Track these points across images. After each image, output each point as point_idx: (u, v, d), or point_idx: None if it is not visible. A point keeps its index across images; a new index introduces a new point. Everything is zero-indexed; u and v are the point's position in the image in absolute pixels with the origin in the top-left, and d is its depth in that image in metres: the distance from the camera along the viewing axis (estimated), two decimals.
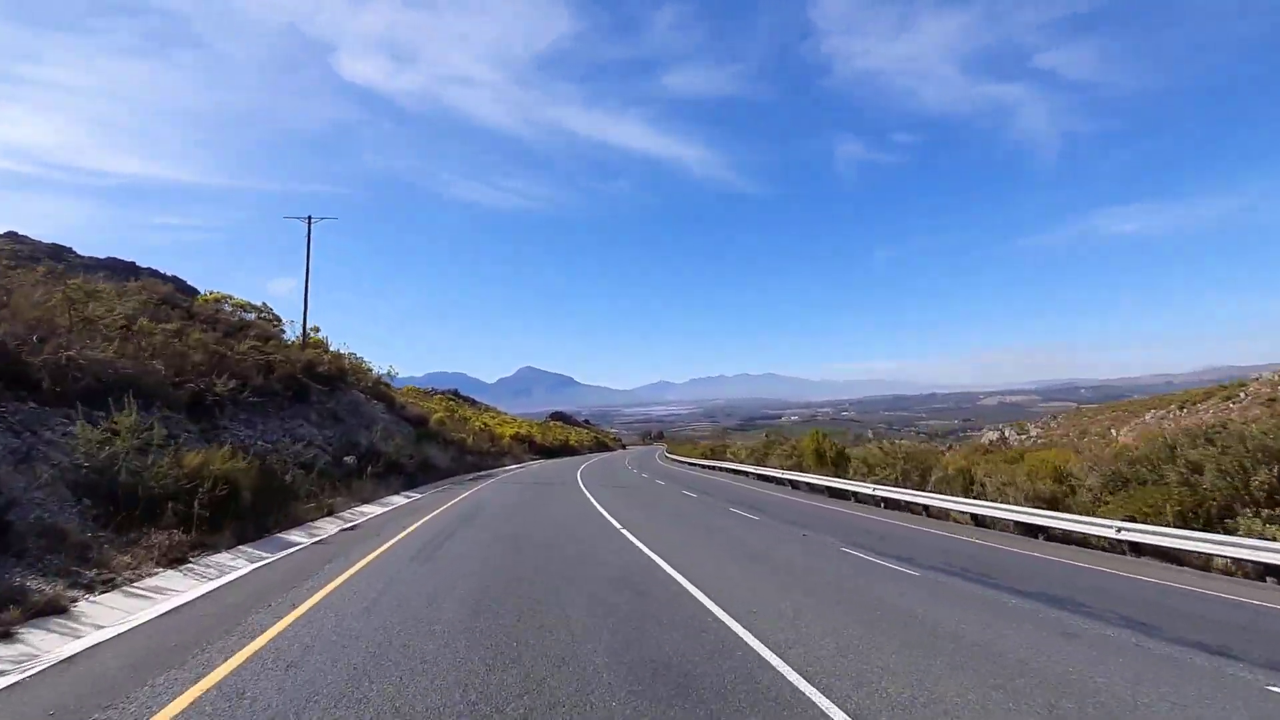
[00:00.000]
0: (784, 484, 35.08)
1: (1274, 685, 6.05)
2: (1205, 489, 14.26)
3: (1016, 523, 17.33)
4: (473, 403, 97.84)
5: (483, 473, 41.94)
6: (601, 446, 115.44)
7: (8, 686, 5.40)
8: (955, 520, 20.08)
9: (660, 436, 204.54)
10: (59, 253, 38.63)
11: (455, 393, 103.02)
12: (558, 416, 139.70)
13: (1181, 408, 54.07)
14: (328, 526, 16.05)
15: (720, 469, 51.74)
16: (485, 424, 59.03)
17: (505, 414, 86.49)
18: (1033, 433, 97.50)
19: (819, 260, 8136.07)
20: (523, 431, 64.66)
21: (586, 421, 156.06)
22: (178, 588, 9.03)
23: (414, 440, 34.10)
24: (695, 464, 59.73)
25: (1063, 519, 15.92)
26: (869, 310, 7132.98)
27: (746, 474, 44.37)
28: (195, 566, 10.26)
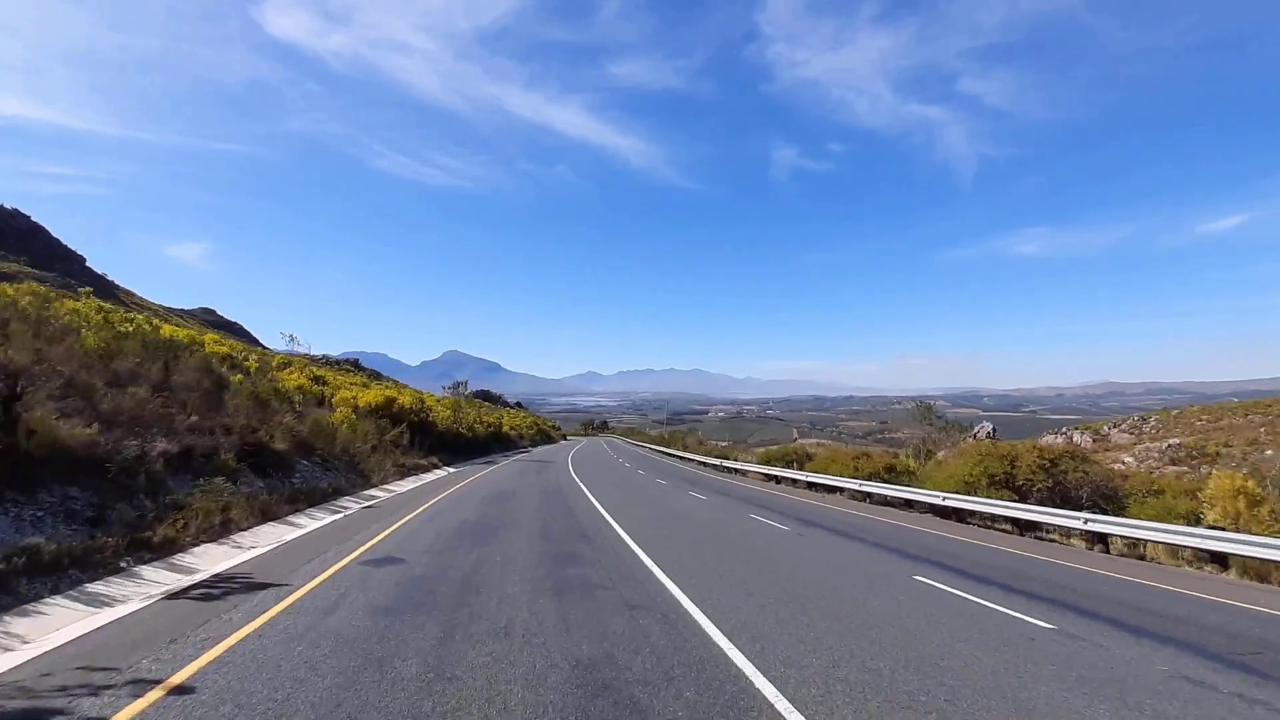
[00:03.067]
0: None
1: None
2: None
3: None
4: (378, 376, 67.90)
5: None
6: (545, 437, 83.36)
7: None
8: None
9: (604, 427, 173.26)
10: None
11: (356, 364, 73.10)
12: (483, 396, 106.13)
13: None
14: None
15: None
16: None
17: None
18: (1118, 438, 74.48)
19: (751, 260, 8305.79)
20: (400, 403, 29.38)
21: (519, 405, 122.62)
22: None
23: None
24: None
25: None
26: (795, 311, 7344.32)
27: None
28: None
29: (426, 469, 24.47)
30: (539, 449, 58.35)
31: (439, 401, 41.13)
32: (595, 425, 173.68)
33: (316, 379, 28.74)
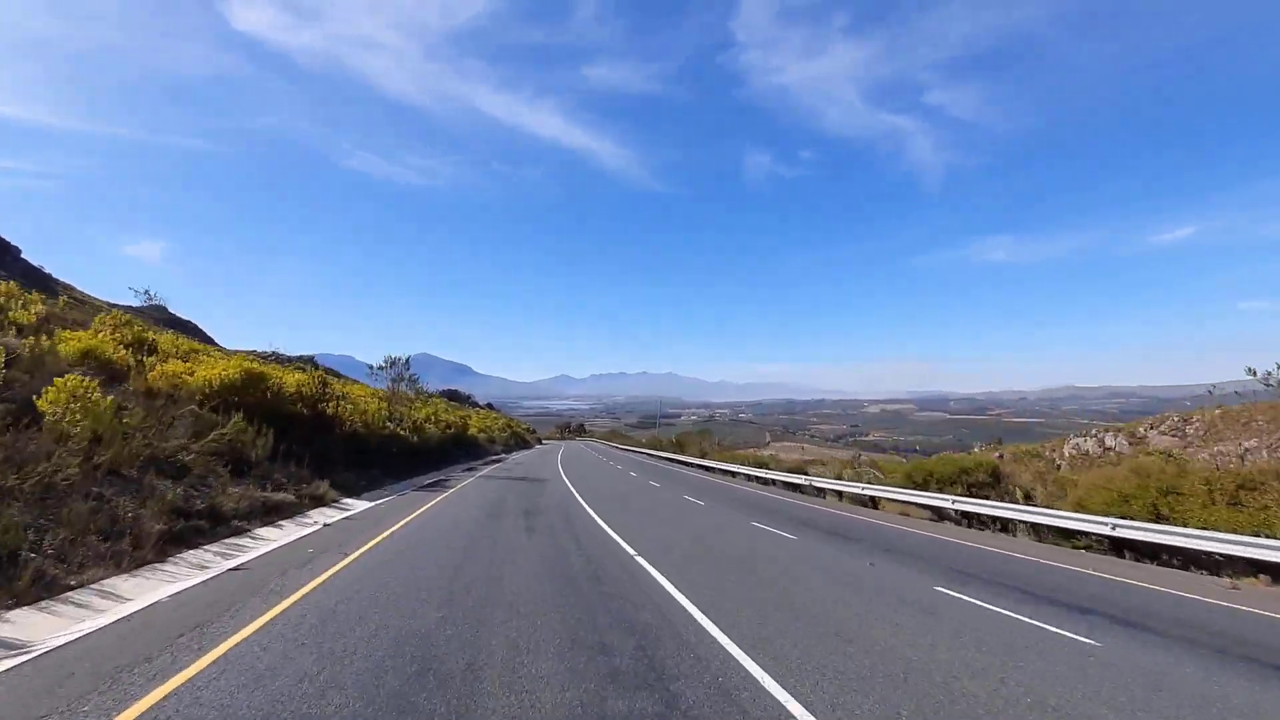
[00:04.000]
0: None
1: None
2: None
3: None
4: (335, 376, 54.94)
5: None
6: (520, 441, 71.13)
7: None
8: None
9: (581, 430, 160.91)
10: None
11: (312, 363, 59.98)
12: (450, 395, 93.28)
13: None
14: None
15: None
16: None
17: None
18: (1157, 441, 65.28)
19: (724, 264, 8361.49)
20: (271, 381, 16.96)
21: (490, 406, 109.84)
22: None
23: None
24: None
25: None
26: (767, 315, 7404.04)
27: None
28: None
29: (294, 509, 12.38)
30: (516, 455, 46.26)
31: (372, 393, 28.83)
32: (572, 428, 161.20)
33: (138, 344, 16.45)
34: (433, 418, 32.36)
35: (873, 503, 20.93)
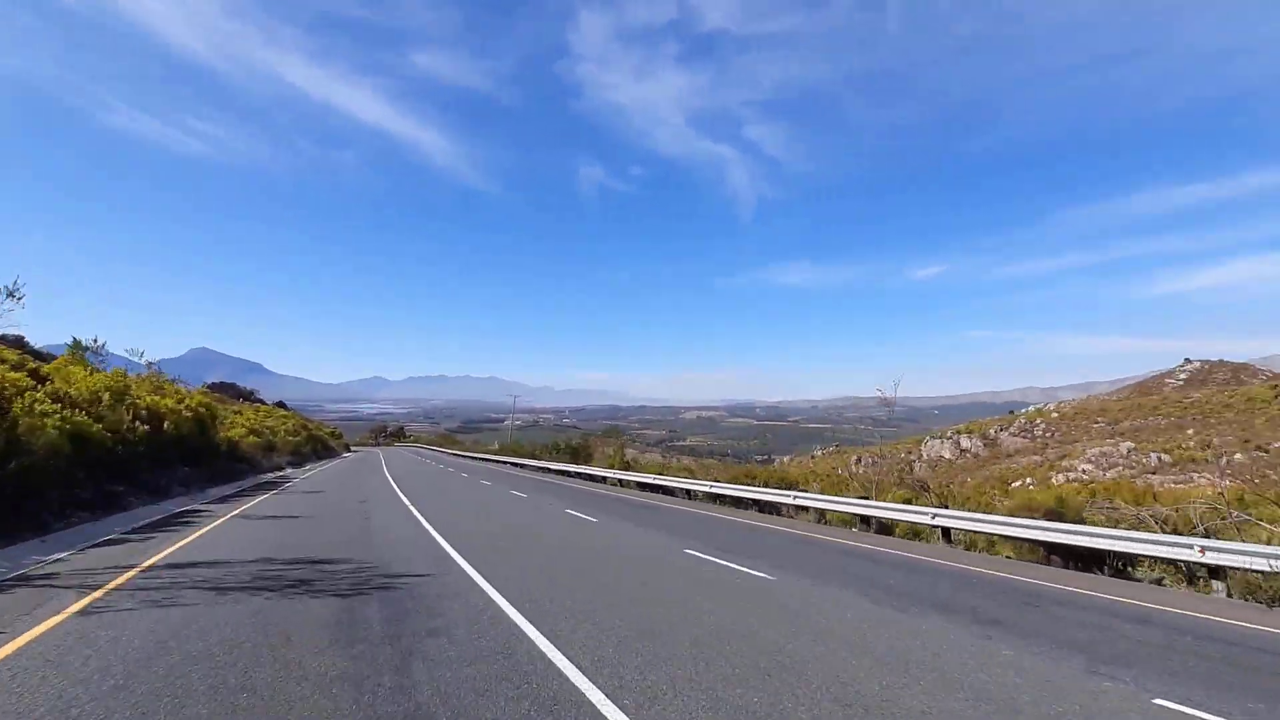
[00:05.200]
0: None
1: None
2: None
3: None
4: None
5: None
6: (323, 448, 54.16)
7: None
8: None
9: (400, 435, 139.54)
10: None
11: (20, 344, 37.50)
12: (224, 389, 71.15)
13: None
14: None
15: None
16: None
17: None
18: (1009, 442, 67.49)
19: (552, 271, 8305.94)
20: None
21: (283, 404, 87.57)
22: None
23: None
24: None
25: None
26: (592, 324, 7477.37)
27: None
28: None
29: None
30: (313, 470, 31.43)
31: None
32: (388, 433, 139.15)
33: None
34: (133, 400, 17.64)
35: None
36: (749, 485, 20.94)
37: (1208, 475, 38.74)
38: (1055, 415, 69.71)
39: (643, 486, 26.69)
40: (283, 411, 60.41)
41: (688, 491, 23.29)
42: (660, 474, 27.28)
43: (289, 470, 30.83)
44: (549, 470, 35.60)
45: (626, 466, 31.55)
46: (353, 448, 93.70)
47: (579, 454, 36.52)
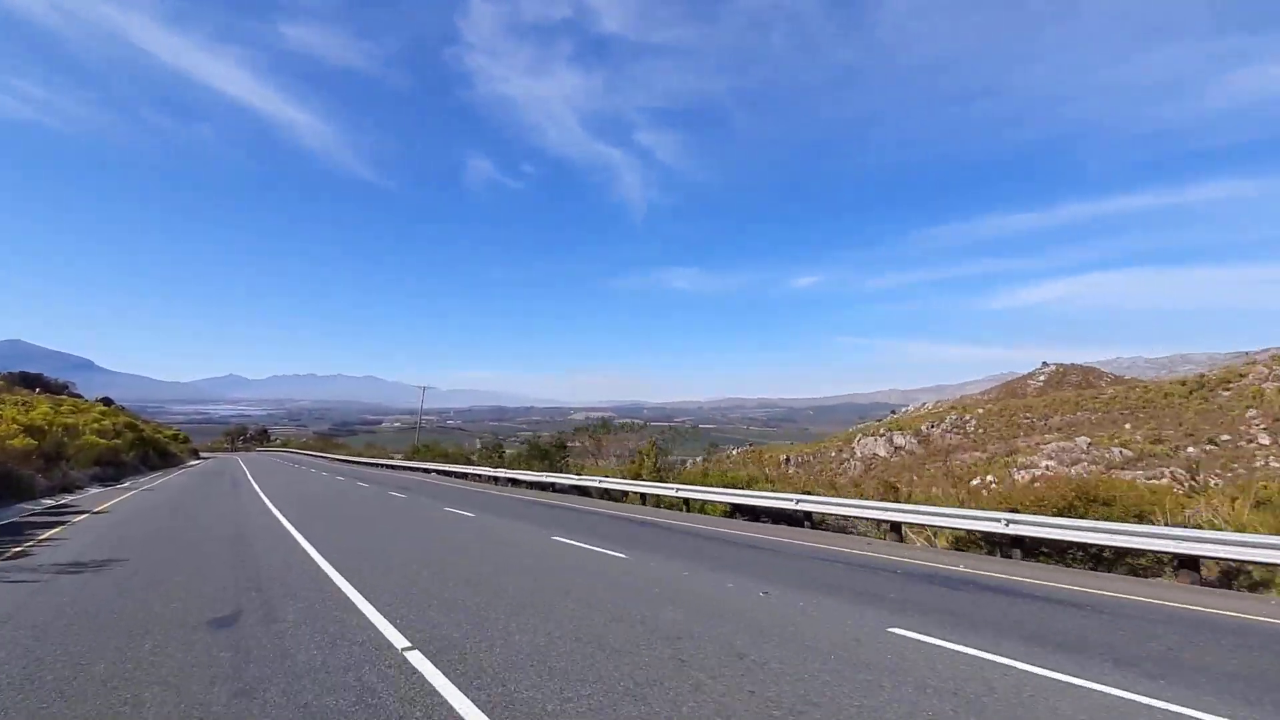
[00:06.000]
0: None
1: None
2: None
3: None
4: None
5: None
6: (158, 455, 40.75)
7: None
8: None
9: (264, 437, 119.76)
10: None
11: None
12: (22, 380, 53.60)
13: None
14: None
15: None
16: None
17: None
18: (943, 441, 65.82)
19: (438, 266, 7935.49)
20: None
21: (108, 400, 69.39)
22: None
23: None
24: None
25: None
26: (479, 322, 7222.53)
27: None
28: None
29: None
30: (126, 492, 20.00)
31: None
32: (248, 436, 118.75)
33: None
34: None
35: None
36: (749, 491, 17.75)
37: (1173, 469, 37.26)
38: (980, 411, 69.55)
39: (606, 493, 22.89)
40: (101, 408, 45.48)
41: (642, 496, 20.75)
42: (634, 479, 20.19)
43: (89, 491, 19.52)
44: (517, 482, 26.75)
45: (658, 475, 23.71)
46: (203, 454, 76.79)
47: (552, 456, 27.84)
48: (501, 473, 28.45)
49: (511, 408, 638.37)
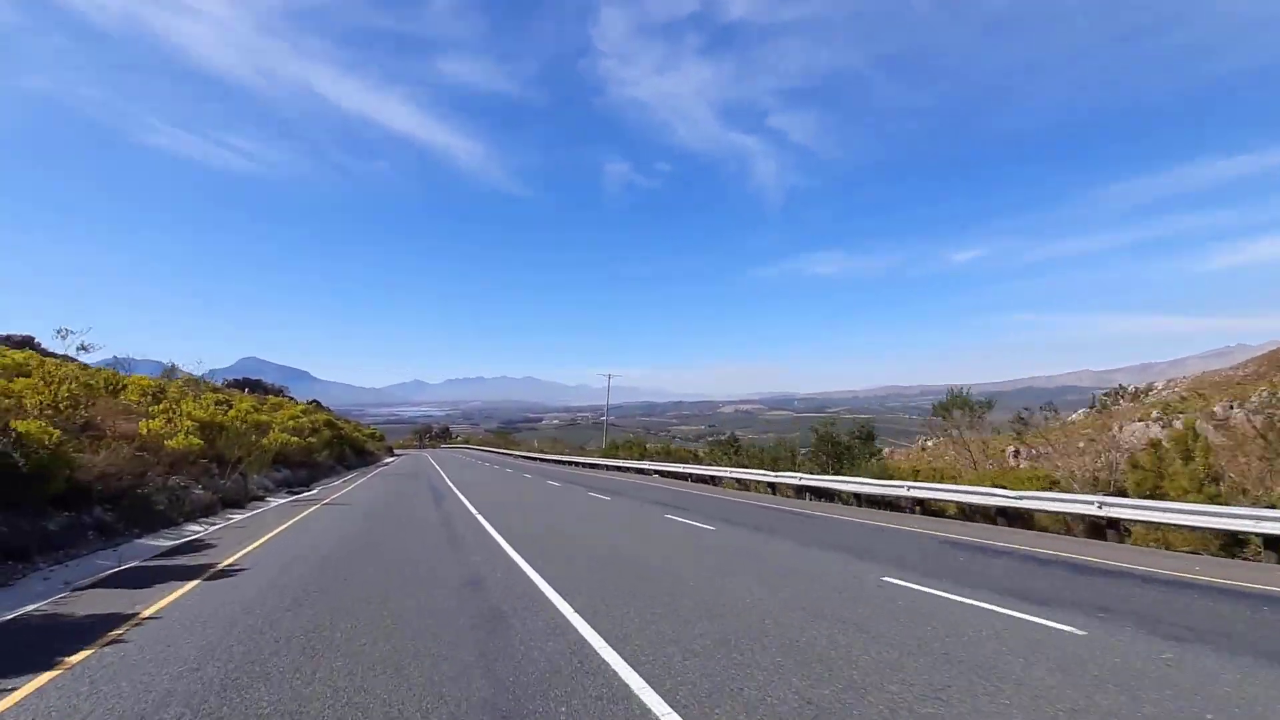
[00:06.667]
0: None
1: None
2: None
3: None
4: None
5: None
6: (354, 456, 40.30)
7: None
8: None
9: (446, 435, 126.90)
10: None
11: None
12: (247, 385, 58.53)
13: None
14: None
15: None
16: None
17: None
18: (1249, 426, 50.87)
19: (583, 268, 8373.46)
20: None
21: (316, 403, 74.95)
22: None
23: None
24: None
25: None
26: (625, 319, 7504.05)
27: None
28: None
29: None
30: (309, 508, 16.44)
31: None
32: (432, 434, 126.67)
33: None
34: None
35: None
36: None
37: None
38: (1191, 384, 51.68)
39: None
40: (303, 406, 46.56)
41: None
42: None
43: (252, 511, 15.34)
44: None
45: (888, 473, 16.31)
46: (396, 450, 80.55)
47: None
48: (792, 478, 20.66)
49: (660, 403, 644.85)
